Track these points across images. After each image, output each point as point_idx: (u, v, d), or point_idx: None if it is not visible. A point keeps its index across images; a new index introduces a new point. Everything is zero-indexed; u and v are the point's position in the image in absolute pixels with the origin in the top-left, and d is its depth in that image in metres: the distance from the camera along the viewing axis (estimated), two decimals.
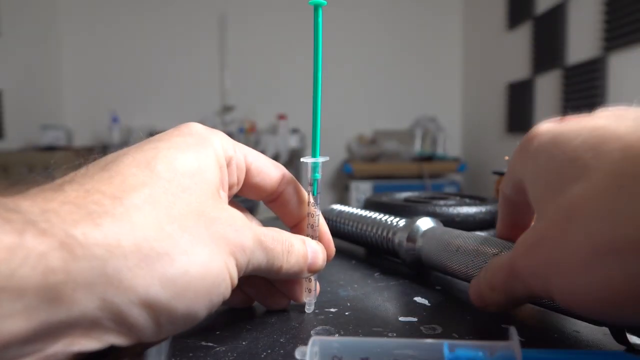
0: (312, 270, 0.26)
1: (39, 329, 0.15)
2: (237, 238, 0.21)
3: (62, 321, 0.15)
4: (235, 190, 0.26)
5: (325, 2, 0.26)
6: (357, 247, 0.49)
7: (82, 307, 0.16)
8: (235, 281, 0.21)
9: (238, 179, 0.25)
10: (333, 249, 0.29)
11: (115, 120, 2.64)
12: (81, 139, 2.76)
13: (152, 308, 0.17)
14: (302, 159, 0.28)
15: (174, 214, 0.19)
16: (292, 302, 0.29)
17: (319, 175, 0.28)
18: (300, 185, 0.28)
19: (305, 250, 0.25)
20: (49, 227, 0.16)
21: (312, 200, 0.28)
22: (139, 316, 0.17)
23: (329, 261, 0.28)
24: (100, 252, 0.16)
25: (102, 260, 0.16)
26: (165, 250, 0.18)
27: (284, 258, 0.24)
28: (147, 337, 0.18)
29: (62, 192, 0.18)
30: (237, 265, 0.21)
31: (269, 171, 0.26)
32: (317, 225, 0.28)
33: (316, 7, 0.26)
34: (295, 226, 0.29)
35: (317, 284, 0.29)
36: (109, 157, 0.21)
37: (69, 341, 0.16)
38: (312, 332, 0.26)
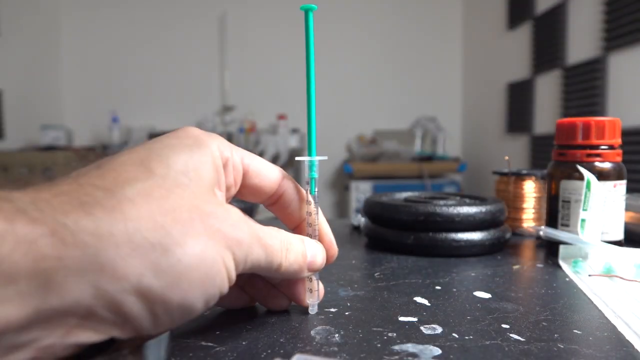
0: (312, 269, 0.26)
1: (33, 316, 0.15)
2: (233, 232, 0.21)
3: (55, 308, 0.15)
4: (233, 191, 0.26)
5: (316, 7, 0.26)
6: (358, 246, 0.49)
7: (75, 295, 0.16)
8: (233, 275, 0.21)
9: (235, 181, 0.25)
10: (335, 249, 0.29)
11: (115, 120, 2.64)
12: (81, 139, 2.76)
13: (146, 297, 0.17)
14: (296, 158, 0.28)
15: (167, 207, 0.19)
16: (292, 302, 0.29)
17: (315, 174, 0.28)
18: (300, 187, 0.28)
19: (303, 248, 0.25)
20: (40, 215, 0.16)
21: (310, 199, 0.28)
22: (133, 305, 0.17)
23: (331, 261, 0.28)
24: (92, 240, 0.16)
25: (94, 248, 0.16)
26: (158, 241, 0.18)
27: (283, 255, 0.24)
28: (144, 329, 0.18)
29: (55, 186, 0.18)
30: (235, 260, 0.21)
31: (268, 173, 0.26)
32: (317, 224, 0.28)
33: (307, 12, 0.27)
34: (297, 227, 0.29)
35: (321, 285, 0.29)
36: (105, 158, 0.21)
37: (65, 332, 0.16)
38: (312, 332, 0.26)
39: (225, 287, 0.20)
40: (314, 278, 0.28)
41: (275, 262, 0.23)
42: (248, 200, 0.28)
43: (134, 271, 0.17)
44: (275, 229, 0.24)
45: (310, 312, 0.28)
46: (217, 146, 0.23)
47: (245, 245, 0.21)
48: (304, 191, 0.28)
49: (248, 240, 0.21)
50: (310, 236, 0.28)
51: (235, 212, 0.22)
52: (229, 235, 0.20)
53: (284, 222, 0.29)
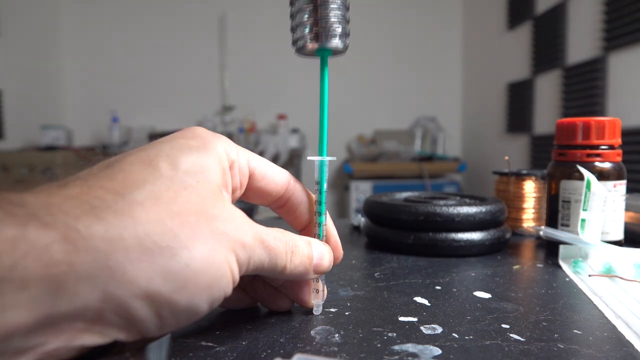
0: (318, 272, 0.26)
1: (42, 321, 0.15)
2: (237, 235, 0.21)
3: (64, 313, 0.16)
4: (239, 194, 0.26)
5: (331, 52, 0.26)
6: (358, 246, 0.49)
7: (85, 299, 0.16)
8: (237, 277, 0.21)
9: (241, 183, 0.25)
10: (341, 252, 0.29)
11: (115, 120, 2.64)
12: (81, 139, 2.76)
13: (154, 301, 0.17)
14: (308, 158, 0.28)
15: (175, 210, 0.19)
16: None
17: (325, 174, 0.28)
18: (307, 190, 0.28)
19: (310, 251, 0.25)
20: (51, 220, 0.16)
21: (319, 199, 0.28)
22: (141, 309, 0.17)
23: (336, 263, 0.28)
24: (103, 245, 0.16)
25: (105, 253, 0.16)
26: (167, 244, 0.18)
27: (288, 258, 0.24)
28: (150, 331, 0.18)
29: (66, 189, 0.18)
30: (238, 262, 0.21)
31: (274, 176, 0.26)
32: (325, 224, 0.28)
33: (323, 57, 0.27)
34: (304, 229, 0.29)
35: (325, 285, 0.29)
36: (114, 157, 0.21)
37: (71, 336, 0.16)
38: (312, 332, 0.26)
39: (229, 289, 0.21)
40: (320, 279, 0.28)
41: (280, 264, 0.23)
42: (254, 203, 0.28)
43: (143, 275, 0.17)
44: (281, 230, 0.24)
45: (315, 312, 0.28)
46: (224, 148, 0.23)
47: (249, 247, 0.21)
48: (312, 194, 0.28)
49: (251, 242, 0.21)
50: (317, 236, 0.27)
51: (240, 215, 0.22)
52: (233, 237, 0.20)
53: (290, 224, 0.29)
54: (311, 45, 0.26)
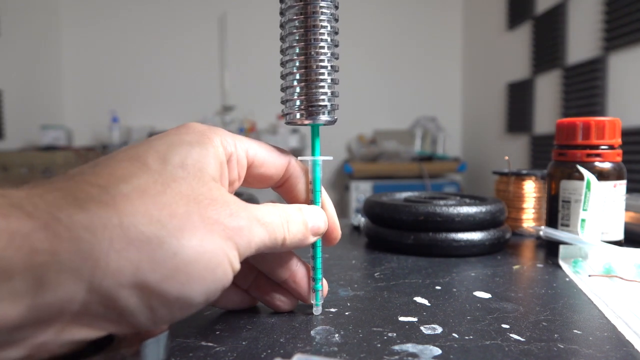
0: (317, 234, 0.26)
1: (27, 314, 0.15)
2: (232, 222, 0.20)
3: (49, 304, 0.15)
4: (237, 185, 0.25)
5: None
6: (358, 246, 0.49)
7: (69, 290, 0.16)
8: (236, 265, 0.20)
9: (239, 175, 0.25)
10: (339, 232, 0.28)
11: (115, 120, 2.64)
12: (81, 139, 2.76)
13: (142, 291, 0.17)
14: (299, 158, 0.28)
15: (163, 201, 0.19)
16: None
17: (319, 174, 0.28)
18: (306, 168, 0.28)
19: (303, 216, 0.25)
20: (34, 210, 0.16)
21: (313, 199, 0.28)
22: (129, 299, 0.17)
23: (334, 243, 0.28)
24: (86, 235, 0.16)
25: (88, 242, 0.16)
26: (154, 234, 0.17)
27: (285, 229, 0.23)
28: (141, 323, 0.18)
29: (50, 183, 0.18)
30: (238, 249, 0.20)
31: (273, 161, 0.26)
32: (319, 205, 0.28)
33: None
34: None
35: (325, 284, 0.29)
36: (104, 156, 0.21)
37: (60, 328, 0.16)
38: (312, 332, 0.26)
39: (227, 279, 0.20)
40: (319, 279, 0.28)
41: (279, 237, 0.23)
42: (253, 187, 0.28)
43: (129, 265, 0.17)
44: (272, 204, 0.24)
45: (315, 312, 0.28)
46: (220, 141, 0.23)
47: (246, 230, 0.21)
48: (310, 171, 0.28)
49: (248, 225, 0.21)
50: None
51: (234, 200, 0.21)
52: (228, 225, 0.20)
53: (289, 202, 0.29)
54: (300, 121, 0.27)
